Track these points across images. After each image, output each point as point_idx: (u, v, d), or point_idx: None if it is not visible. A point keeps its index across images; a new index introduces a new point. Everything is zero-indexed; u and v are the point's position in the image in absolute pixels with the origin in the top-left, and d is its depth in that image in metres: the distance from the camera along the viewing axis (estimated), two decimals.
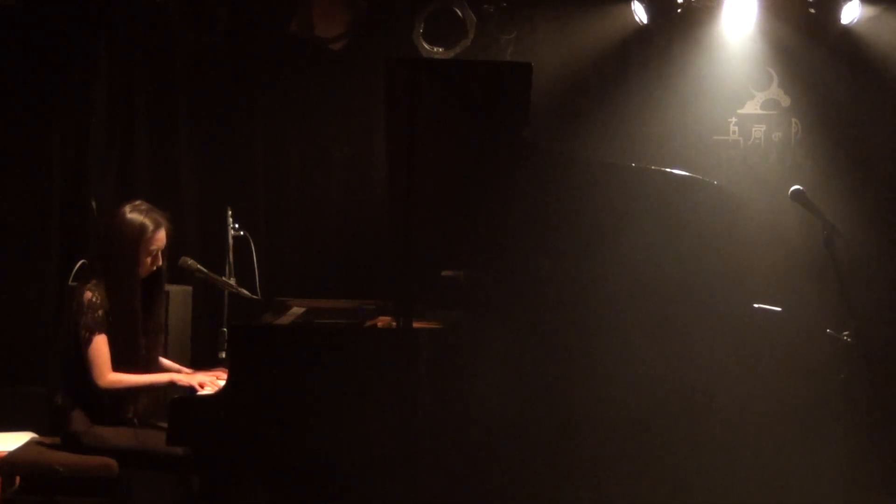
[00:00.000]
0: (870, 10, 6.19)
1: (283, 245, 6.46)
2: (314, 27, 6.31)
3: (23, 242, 6.33)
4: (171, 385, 4.40)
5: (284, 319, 4.68)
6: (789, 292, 5.29)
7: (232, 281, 5.28)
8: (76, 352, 4.36)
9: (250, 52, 6.46)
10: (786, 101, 6.40)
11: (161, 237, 4.48)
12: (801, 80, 6.36)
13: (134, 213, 4.45)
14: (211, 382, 4.40)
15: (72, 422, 4.37)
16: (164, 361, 4.73)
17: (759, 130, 6.42)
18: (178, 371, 4.67)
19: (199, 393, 4.32)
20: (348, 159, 6.52)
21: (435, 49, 6.29)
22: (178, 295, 5.74)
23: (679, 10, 6.34)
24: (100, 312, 4.34)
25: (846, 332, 4.61)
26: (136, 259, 4.43)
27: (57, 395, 4.48)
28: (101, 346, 4.33)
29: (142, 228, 4.42)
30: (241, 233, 5.47)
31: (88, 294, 4.35)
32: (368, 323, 4.69)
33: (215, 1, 6.34)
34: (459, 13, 6.26)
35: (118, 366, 4.37)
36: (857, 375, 4.56)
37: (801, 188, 4.67)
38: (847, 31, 6.24)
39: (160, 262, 4.53)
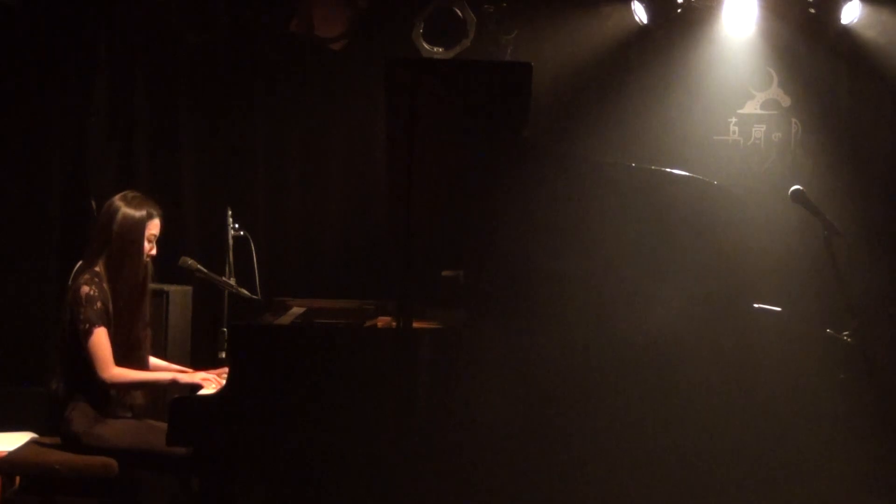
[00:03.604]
0: (870, 11, 6.19)
1: (283, 245, 6.46)
2: (314, 27, 6.30)
3: (23, 242, 6.33)
4: (174, 384, 4.41)
5: (284, 319, 4.68)
6: (789, 292, 5.28)
7: (232, 281, 5.28)
8: (75, 346, 4.37)
9: (250, 52, 6.46)
10: (786, 101, 6.39)
11: (156, 224, 4.56)
12: (801, 80, 6.35)
13: (130, 207, 4.49)
14: (214, 380, 4.41)
15: (72, 422, 4.37)
16: (160, 363, 4.74)
17: (759, 130, 6.42)
18: (181, 371, 4.68)
19: (200, 393, 4.33)
20: (348, 159, 6.52)
21: (435, 49, 6.28)
22: (178, 295, 5.74)
23: (679, 10, 6.33)
24: (98, 305, 4.35)
25: (846, 332, 4.61)
26: (139, 251, 4.49)
27: (52, 381, 4.46)
28: (102, 339, 4.34)
29: (140, 221, 4.49)
30: (241, 233, 5.47)
31: (86, 288, 4.36)
32: (368, 323, 4.69)
33: (215, 1, 6.34)
34: (459, 13, 6.26)
35: (117, 360, 4.39)
36: (857, 375, 4.56)
37: (801, 188, 4.67)
38: (847, 31, 6.24)
39: (153, 253, 4.57)
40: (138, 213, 4.49)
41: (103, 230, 4.50)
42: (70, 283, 4.49)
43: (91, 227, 6.12)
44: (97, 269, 4.44)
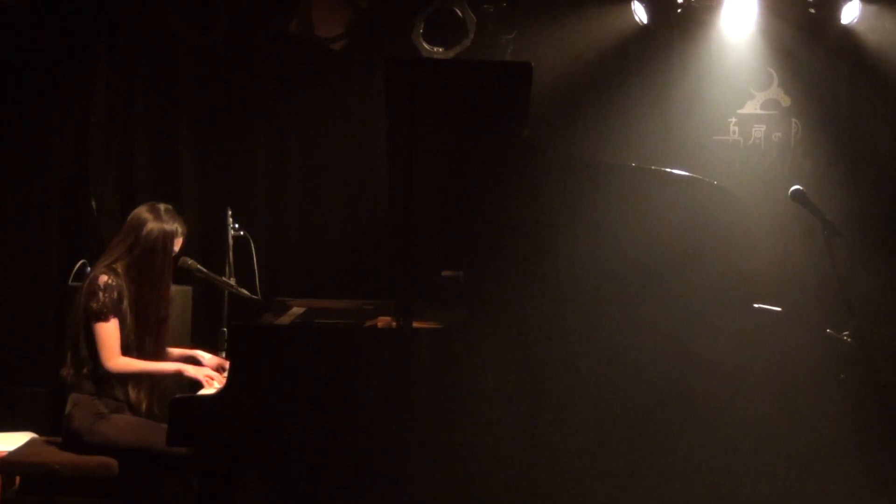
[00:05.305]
0: (870, 10, 6.19)
1: (283, 245, 6.46)
2: (314, 27, 6.30)
3: (23, 242, 6.34)
4: (179, 374, 4.45)
5: (284, 319, 4.68)
6: (789, 292, 5.29)
7: (232, 281, 5.28)
8: (86, 334, 4.38)
9: (250, 52, 6.46)
10: (786, 101, 6.39)
11: (180, 241, 4.63)
12: (801, 80, 6.35)
13: (163, 220, 4.54)
14: (217, 379, 4.43)
15: (73, 419, 4.38)
16: (174, 351, 4.78)
17: (759, 130, 6.42)
18: (193, 355, 4.76)
19: (200, 393, 4.34)
20: (348, 159, 6.52)
21: (435, 49, 6.28)
22: (178, 295, 5.73)
23: (679, 10, 6.33)
24: (115, 295, 4.38)
25: (846, 332, 4.61)
26: (168, 264, 4.55)
27: (62, 368, 4.48)
28: (112, 328, 4.38)
29: (172, 234, 4.54)
30: (241, 233, 5.48)
31: (105, 277, 4.41)
32: (368, 323, 4.70)
33: (215, 1, 6.34)
34: (459, 13, 6.26)
35: (127, 353, 4.43)
36: (857, 375, 4.56)
37: (801, 188, 4.67)
38: (847, 31, 6.24)
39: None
40: (169, 227, 4.53)
41: (128, 236, 4.51)
42: (73, 284, 4.50)
43: (91, 227, 6.22)
44: (116, 267, 4.47)
